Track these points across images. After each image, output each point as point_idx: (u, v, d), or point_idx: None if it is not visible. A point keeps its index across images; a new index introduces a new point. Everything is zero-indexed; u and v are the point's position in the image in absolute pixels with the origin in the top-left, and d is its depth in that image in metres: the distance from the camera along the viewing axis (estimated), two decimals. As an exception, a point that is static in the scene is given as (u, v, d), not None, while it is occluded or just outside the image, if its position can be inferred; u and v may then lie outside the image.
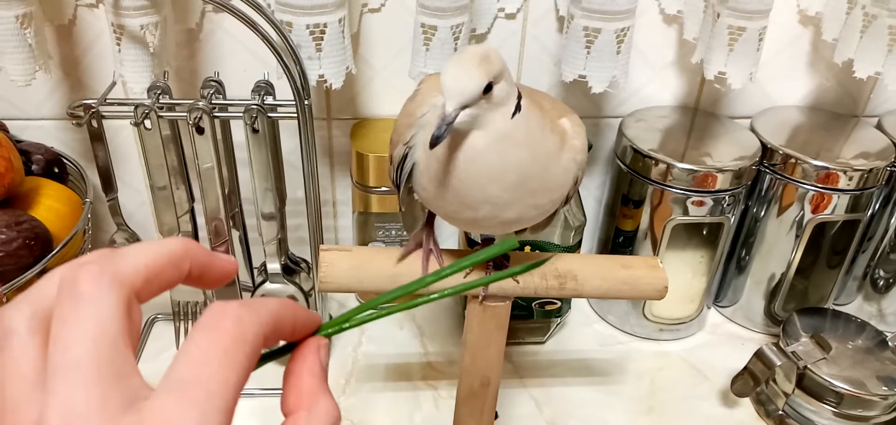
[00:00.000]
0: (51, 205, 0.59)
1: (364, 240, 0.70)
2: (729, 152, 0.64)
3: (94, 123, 0.55)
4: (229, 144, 0.59)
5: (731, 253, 0.72)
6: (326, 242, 0.79)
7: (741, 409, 0.65)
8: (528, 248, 0.63)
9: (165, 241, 0.23)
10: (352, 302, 0.76)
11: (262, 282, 0.64)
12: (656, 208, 0.65)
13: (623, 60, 0.61)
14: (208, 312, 0.21)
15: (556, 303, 0.68)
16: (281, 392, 0.24)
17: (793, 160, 0.63)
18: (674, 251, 0.68)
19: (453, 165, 0.37)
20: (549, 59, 0.68)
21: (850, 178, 0.62)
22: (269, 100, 0.56)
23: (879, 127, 0.70)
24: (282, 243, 0.63)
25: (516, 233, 0.46)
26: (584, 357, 0.71)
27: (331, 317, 0.71)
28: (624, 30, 0.59)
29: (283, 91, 0.55)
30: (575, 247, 0.65)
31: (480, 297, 0.46)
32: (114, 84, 0.57)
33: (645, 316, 0.71)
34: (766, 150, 0.65)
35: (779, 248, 0.68)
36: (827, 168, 0.62)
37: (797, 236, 0.66)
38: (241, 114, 0.54)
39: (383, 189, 0.65)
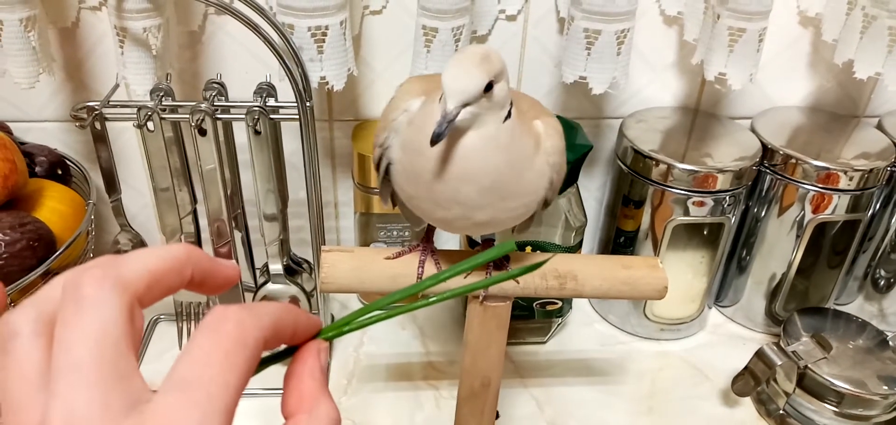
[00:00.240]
0: (54, 207, 0.60)
1: (366, 240, 0.70)
2: (729, 153, 0.64)
3: (98, 125, 0.55)
4: (231, 146, 0.60)
5: (732, 253, 0.72)
6: (328, 243, 0.79)
7: (742, 409, 0.65)
8: (528, 249, 0.63)
9: (168, 247, 0.23)
10: (354, 302, 0.76)
11: (265, 283, 0.64)
12: (657, 209, 0.65)
13: (623, 61, 0.61)
14: (210, 315, 0.21)
15: (556, 303, 0.68)
16: (282, 393, 0.24)
17: (793, 160, 0.64)
18: (674, 251, 0.68)
19: (435, 165, 0.37)
20: (549, 60, 0.68)
21: (851, 179, 0.62)
22: (271, 101, 0.57)
23: (880, 127, 0.70)
24: (284, 244, 0.63)
25: (492, 233, 0.46)
26: (585, 357, 0.71)
27: (333, 317, 0.72)
28: (624, 31, 0.59)
29: (285, 93, 0.56)
30: (576, 248, 0.65)
31: (481, 298, 0.46)
32: (117, 86, 0.57)
33: (646, 316, 0.71)
34: (767, 151, 0.65)
35: (779, 248, 0.68)
36: (827, 168, 0.62)
37: (798, 236, 0.67)
38: (243, 116, 0.55)
39: (385, 190, 0.66)
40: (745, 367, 0.62)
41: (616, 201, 0.70)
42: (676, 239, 0.67)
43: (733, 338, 0.74)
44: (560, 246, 0.64)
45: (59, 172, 0.65)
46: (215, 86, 0.57)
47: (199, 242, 0.63)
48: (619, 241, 0.71)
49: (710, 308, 0.75)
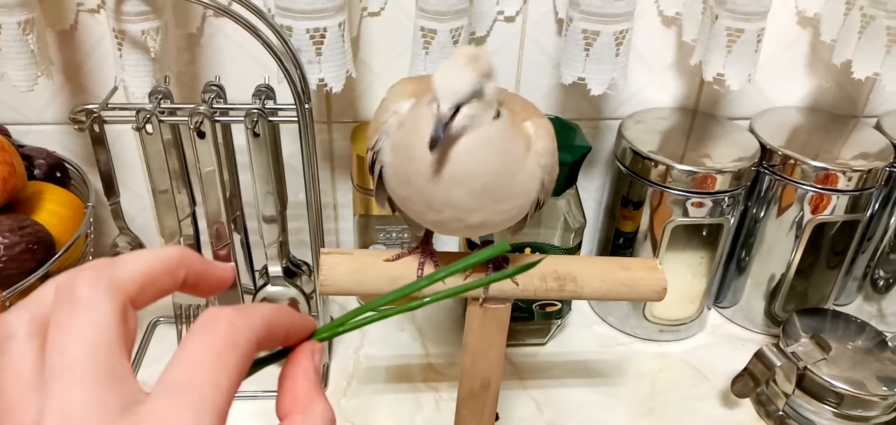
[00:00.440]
0: (53, 210, 0.60)
1: (365, 242, 0.70)
2: (728, 153, 0.64)
3: (96, 128, 0.55)
4: (230, 148, 0.60)
5: (731, 254, 0.72)
6: (327, 245, 0.79)
7: (741, 410, 0.65)
8: (527, 250, 0.63)
9: (161, 249, 0.23)
10: (353, 304, 0.76)
11: (264, 285, 0.64)
12: (656, 209, 0.65)
13: (622, 62, 0.61)
14: (202, 317, 0.21)
15: (556, 305, 0.68)
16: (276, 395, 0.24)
17: (792, 161, 0.64)
18: (674, 252, 0.68)
19: (427, 167, 0.37)
20: (548, 61, 0.68)
21: (850, 179, 0.62)
22: (270, 104, 0.57)
23: (878, 127, 0.70)
24: (283, 246, 0.63)
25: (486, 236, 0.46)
26: (585, 358, 0.71)
27: (332, 319, 0.72)
28: (622, 32, 0.59)
29: (284, 95, 0.56)
30: (575, 249, 0.65)
31: (481, 300, 0.46)
32: (115, 89, 0.57)
33: (645, 317, 0.71)
34: (766, 151, 0.65)
35: (778, 249, 0.68)
36: (826, 169, 0.62)
37: (797, 237, 0.67)
38: (241, 119, 0.55)
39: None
40: (745, 368, 0.62)
41: (615, 202, 0.70)
42: (675, 240, 0.67)
43: (732, 339, 0.74)
44: (559, 247, 0.64)
45: (58, 175, 0.65)
46: (214, 88, 0.57)
47: (198, 245, 0.63)
48: (618, 243, 0.71)
49: (709, 309, 0.75)
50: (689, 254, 0.69)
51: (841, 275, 0.71)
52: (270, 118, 0.55)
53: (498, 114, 0.37)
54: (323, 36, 0.55)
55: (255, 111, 0.54)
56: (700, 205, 0.64)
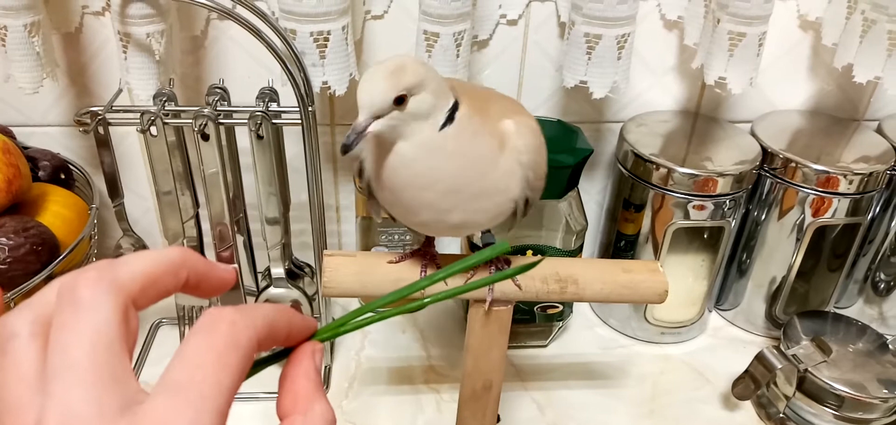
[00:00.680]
0: (57, 212, 0.60)
1: (367, 244, 0.71)
2: (730, 156, 0.64)
3: (101, 130, 0.56)
4: (234, 150, 0.60)
5: (732, 256, 0.72)
6: (330, 247, 0.79)
7: (742, 412, 0.65)
8: (529, 252, 0.63)
9: (163, 250, 0.23)
10: (355, 306, 0.76)
11: (267, 287, 0.64)
12: (657, 212, 0.65)
13: (624, 66, 0.61)
14: (203, 317, 0.21)
15: (557, 307, 0.68)
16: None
17: (793, 164, 0.64)
18: (675, 255, 0.68)
19: (384, 174, 0.39)
20: (550, 64, 0.69)
21: (851, 182, 0.62)
22: (274, 106, 0.57)
23: (879, 131, 0.70)
24: (286, 248, 0.63)
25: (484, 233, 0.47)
26: (586, 360, 0.71)
27: (332, 321, 0.72)
28: (625, 36, 0.59)
29: (288, 97, 0.56)
30: (576, 252, 0.66)
31: (487, 303, 0.46)
32: (120, 91, 0.57)
33: (646, 319, 0.72)
34: (767, 155, 0.66)
35: (779, 252, 0.68)
36: (827, 172, 0.62)
37: (798, 240, 0.67)
38: (245, 121, 0.55)
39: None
40: (746, 371, 0.62)
41: (617, 205, 0.70)
42: (677, 242, 0.67)
43: (733, 342, 0.74)
44: (561, 249, 0.64)
45: (63, 177, 0.65)
46: (218, 90, 0.57)
47: (201, 246, 0.63)
48: (619, 245, 0.71)
49: (710, 311, 0.76)
50: (691, 257, 0.69)
51: (842, 277, 0.71)
52: (274, 120, 0.56)
53: (451, 120, 0.38)
54: (327, 39, 0.55)
55: (258, 113, 0.55)
56: (701, 207, 0.64)
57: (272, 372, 0.25)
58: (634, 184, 0.66)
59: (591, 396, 0.67)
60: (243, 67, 0.66)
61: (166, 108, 0.55)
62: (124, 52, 0.55)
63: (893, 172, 0.66)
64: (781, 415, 0.62)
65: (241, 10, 0.51)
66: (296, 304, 0.64)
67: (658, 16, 0.67)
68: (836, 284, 0.71)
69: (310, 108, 0.54)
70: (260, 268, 0.66)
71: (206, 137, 0.54)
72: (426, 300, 0.29)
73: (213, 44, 0.65)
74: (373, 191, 0.43)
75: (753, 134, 0.68)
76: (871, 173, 0.62)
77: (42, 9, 0.55)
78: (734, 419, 0.65)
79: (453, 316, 0.76)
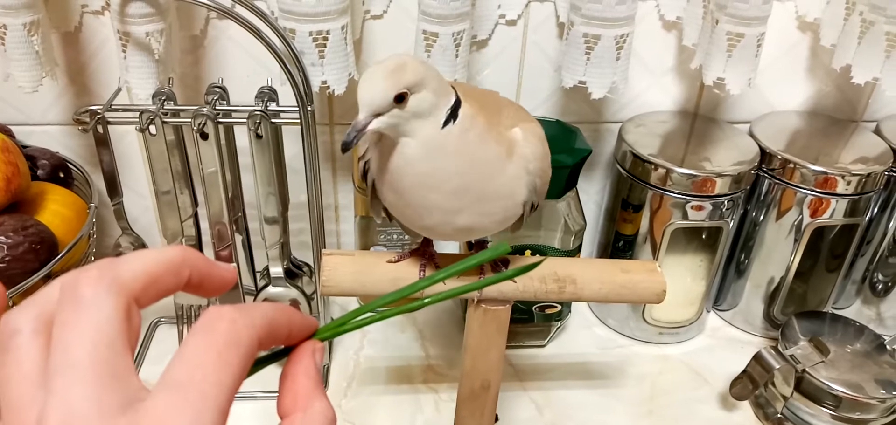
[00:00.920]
0: (56, 210, 0.60)
1: (366, 244, 0.71)
2: (728, 157, 0.64)
3: (100, 129, 0.56)
4: (233, 149, 0.60)
5: (731, 257, 0.72)
6: (329, 246, 0.79)
7: (740, 413, 0.65)
8: (528, 252, 0.63)
9: (165, 249, 0.23)
10: (354, 306, 0.77)
11: (265, 286, 0.64)
12: (656, 212, 0.66)
13: (623, 66, 0.61)
14: (203, 316, 0.21)
15: (556, 307, 0.68)
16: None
17: (791, 165, 0.64)
18: (673, 255, 0.68)
19: (389, 173, 0.39)
20: (549, 65, 0.69)
21: (849, 183, 0.63)
22: (273, 105, 0.57)
23: (877, 132, 0.70)
24: (284, 247, 0.63)
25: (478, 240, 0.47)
26: (585, 360, 0.71)
27: (332, 320, 0.72)
28: (623, 36, 0.59)
29: (287, 97, 0.56)
30: (575, 252, 0.66)
31: (476, 300, 0.46)
32: (119, 90, 0.57)
33: (645, 319, 0.72)
34: (765, 155, 0.66)
35: (778, 252, 0.69)
36: (825, 172, 0.62)
37: (796, 240, 0.67)
38: (244, 120, 0.55)
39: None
40: (744, 371, 0.62)
41: (615, 205, 0.70)
42: (675, 243, 0.67)
43: (732, 342, 0.74)
44: (559, 249, 0.64)
45: (62, 176, 0.65)
46: (217, 90, 0.57)
47: (200, 245, 0.63)
48: (618, 245, 0.71)
49: (708, 311, 0.76)
50: (689, 257, 0.69)
51: (840, 278, 0.72)
52: (273, 120, 0.56)
53: (453, 118, 0.38)
54: (326, 38, 0.55)
55: (257, 113, 0.55)
56: (700, 208, 0.64)
57: (272, 371, 0.25)
58: (633, 184, 0.66)
59: (590, 396, 0.67)
60: (242, 67, 0.66)
61: (165, 107, 0.55)
62: (123, 51, 0.55)
63: (891, 173, 0.66)
64: (779, 416, 0.63)
65: (240, 10, 0.51)
66: (294, 303, 0.64)
67: (657, 16, 0.67)
68: (834, 285, 0.71)
69: (309, 108, 0.54)
70: (259, 267, 0.66)
71: (205, 136, 0.54)
72: (426, 300, 0.29)
73: (212, 43, 0.65)
74: (378, 195, 0.43)
75: (752, 134, 0.68)
76: (869, 174, 0.63)
77: (41, 8, 0.55)
78: (732, 419, 0.65)
79: (452, 315, 0.76)
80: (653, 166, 0.63)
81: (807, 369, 0.59)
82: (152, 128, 0.55)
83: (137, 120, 0.54)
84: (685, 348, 0.73)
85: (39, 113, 0.68)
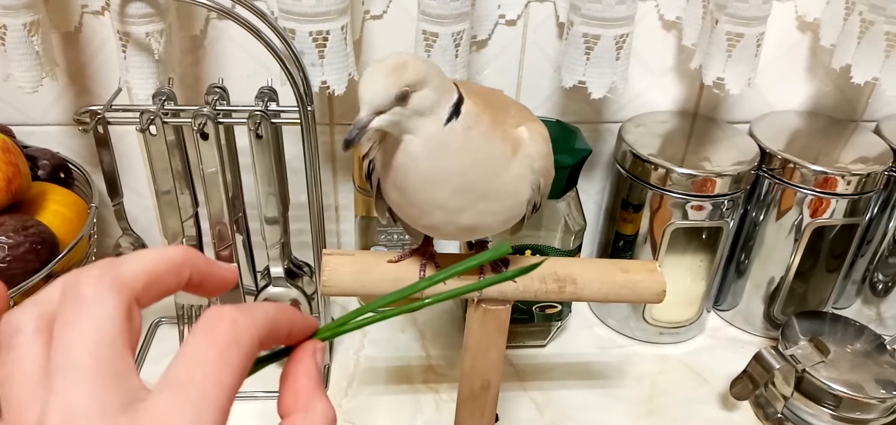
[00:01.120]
0: (57, 210, 0.60)
1: (366, 244, 0.71)
2: (728, 157, 0.64)
3: (100, 129, 0.56)
4: (233, 149, 0.60)
5: (731, 257, 0.72)
6: (329, 246, 0.79)
7: (740, 412, 0.65)
8: (528, 252, 0.63)
9: (166, 249, 0.23)
10: (354, 306, 0.77)
11: (266, 286, 0.64)
12: (656, 212, 0.66)
13: (622, 66, 0.61)
14: (204, 315, 0.21)
15: (556, 307, 0.69)
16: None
17: (791, 165, 0.64)
18: (673, 255, 0.68)
19: (394, 171, 0.39)
20: (549, 65, 0.69)
21: (849, 183, 0.63)
22: (273, 106, 0.57)
23: (877, 131, 0.70)
24: (285, 247, 0.63)
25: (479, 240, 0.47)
26: (585, 360, 0.71)
27: (333, 320, 0.72)
28: (623, 36, 0.59)
29: (287, 97, 0.56)
30: (575, 252, 0.66)
31: (476, 300, 0.46)
32: (119, 90, 0.57)
33: (645, 319, 0.72)
34: (765, 155, 0.66)
35: (778, 252, 0.69)
36: (825, 172, 0.62)
37: (796, 240, 0.67)
38: (244, 120, 0.55)
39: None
40: (744, 371, 0.62)
41: (615, 205, 0.70)
42: (675, 242, 0.67)
43: (732, 342, 0.74)
44: (559, 249, 0.65)
45: (62, 176, 0.65)
46: (217, 90, 0.57)
47: (200, 245, 0.63)
48: (618, 245, 0.71)
49: (708, 311, 0.76)
50: (689, 257, 0.69)
51: (840, 278, 0.72)
52: (273, 120, 0.56)
53: (455, 115, 0.38)
54: (326, 39, 0.55)
55: (257, 113, 0.55)
56: (700, 208, 0.64)
57: (272, 371, 0.25)
58: (633, 184, 0.66)
59: (590, 396, 0.67)
60: (242, 67, 0.66)
61: (165, 108, 0.55)
62: (124, 52, 0.55)
63: (891, 173, 0.66)
64: (779, 416, 0.63)
65: (240, 10, 0.51)
66: (295, 303, 0.64)
67: (656, 16, 0.67)
68: (834, 285, 0.71)
69: (309, 108, 0.54)
70: (259, 267, 0.66)
71: (205, 136, 0.54)
72: (426, 300, 0.29)
73: (212, 43, 0.65)
74: (382, 194, 0.43)
75: (752, 134, 0.68)
76: (869, 174, 0.63)
77: (41, 8, 0.55)
78: (732, 419, 0.65)
79: (452, 315, 0.76)
80: (653, 166, 0.63)
81: (807, 369, 0.60)
82: (152, 129, 0.55)
83: (138, 120, 0.54)
84: (685, 348, 0.73)
85: (40, 113, 0.68)
